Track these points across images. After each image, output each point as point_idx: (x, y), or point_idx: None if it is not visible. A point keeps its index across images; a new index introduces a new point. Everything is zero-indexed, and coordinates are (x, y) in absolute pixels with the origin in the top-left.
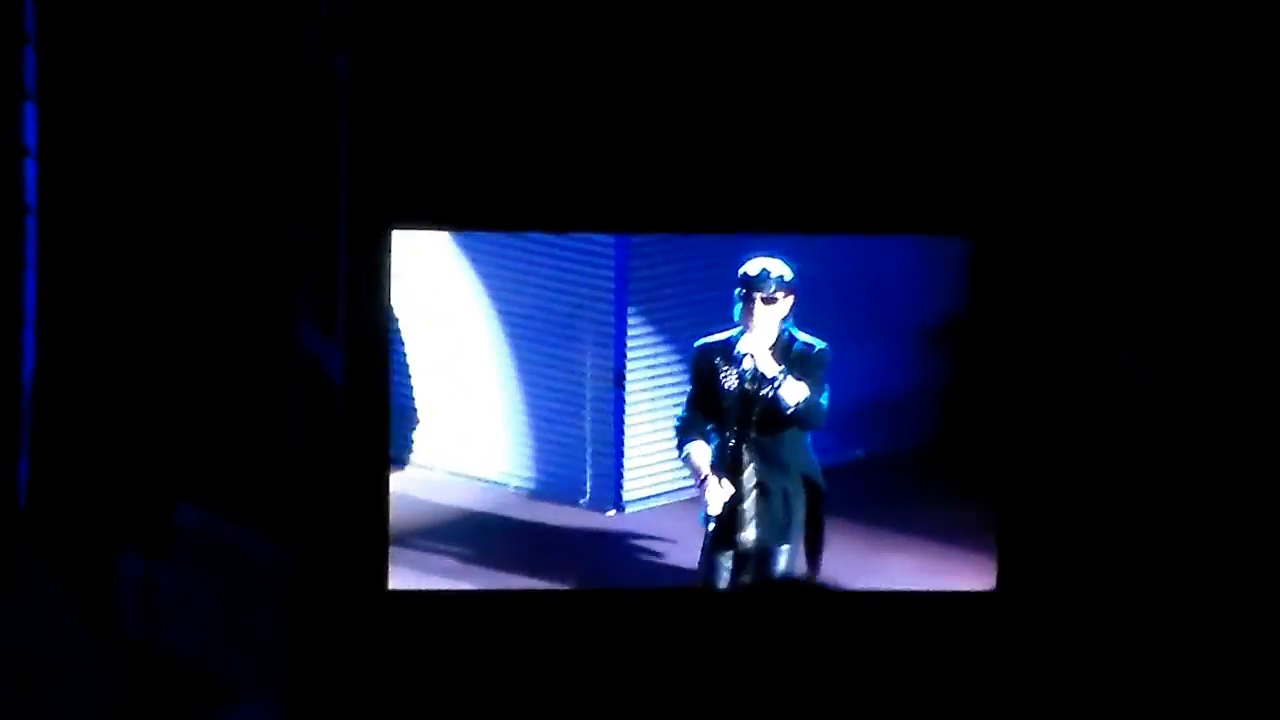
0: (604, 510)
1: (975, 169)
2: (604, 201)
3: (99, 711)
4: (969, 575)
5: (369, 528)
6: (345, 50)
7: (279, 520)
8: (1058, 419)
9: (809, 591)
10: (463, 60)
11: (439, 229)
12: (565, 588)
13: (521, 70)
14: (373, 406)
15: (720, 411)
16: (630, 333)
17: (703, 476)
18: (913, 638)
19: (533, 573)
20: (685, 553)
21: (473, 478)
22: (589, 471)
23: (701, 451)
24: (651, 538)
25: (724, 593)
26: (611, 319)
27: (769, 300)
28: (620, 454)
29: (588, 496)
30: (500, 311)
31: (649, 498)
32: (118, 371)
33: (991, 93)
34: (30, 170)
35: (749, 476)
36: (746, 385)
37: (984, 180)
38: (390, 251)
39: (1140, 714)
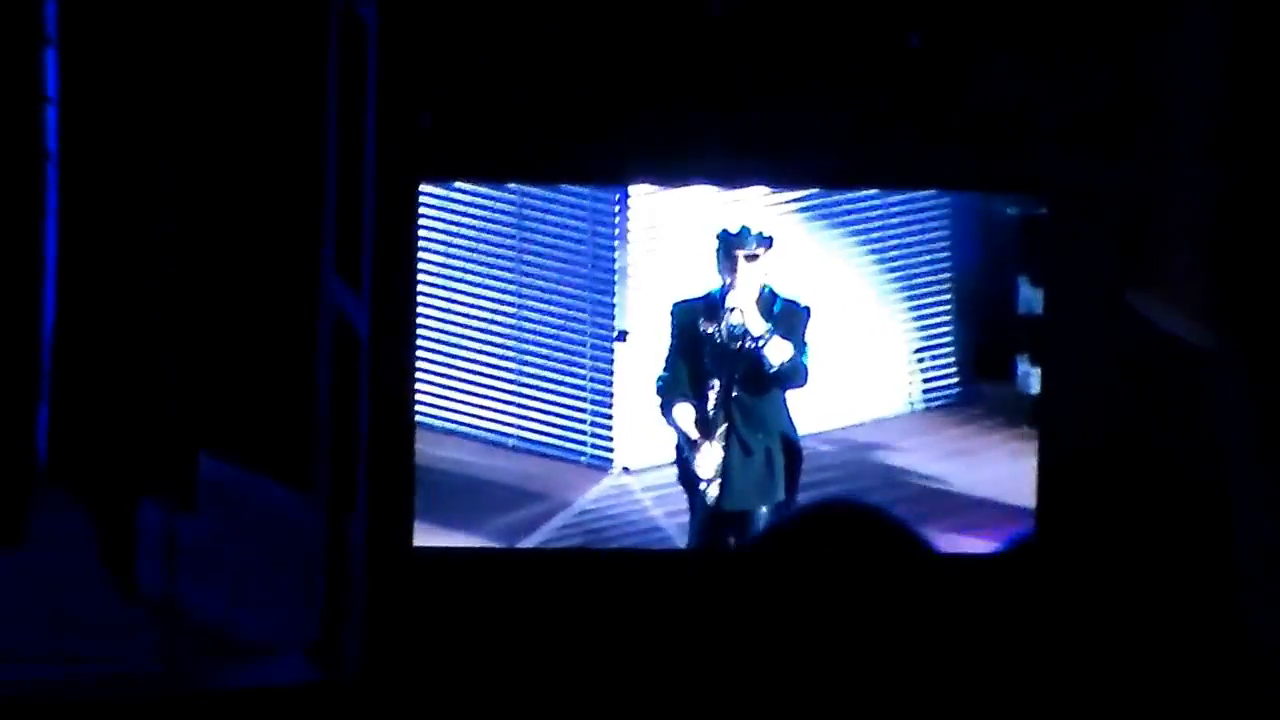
0: (604, 469)
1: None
2: (634, 153)
3: (122, 664)
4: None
5: (394, 483)
6: None
7: (302, 474)
8: (1101, 374)
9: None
10: (492, 5)
11: (467, 181)
12: (565, 546)
13: (550, 20)
14: (398, 360)
15: (702, 370)
16: (633, 288)
17: (692, 440)
18: (945, 594)
19: (531, 532)
20: (685, 514)
21: (470, 433)
22: (590, 430)
23: (686, 414)
24: (652, 497)
25: (737, 553)
26: (614, 274)
27: (751, 257)
28: (622, 412)
29: (588, 455)
30: (500, 265)
31: (652, 467)
32: (140, 321)
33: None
34: (51, 117)
35: (731, 436)
36: (730, 342)
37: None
38: (418, 204)
39: (1178, 673)
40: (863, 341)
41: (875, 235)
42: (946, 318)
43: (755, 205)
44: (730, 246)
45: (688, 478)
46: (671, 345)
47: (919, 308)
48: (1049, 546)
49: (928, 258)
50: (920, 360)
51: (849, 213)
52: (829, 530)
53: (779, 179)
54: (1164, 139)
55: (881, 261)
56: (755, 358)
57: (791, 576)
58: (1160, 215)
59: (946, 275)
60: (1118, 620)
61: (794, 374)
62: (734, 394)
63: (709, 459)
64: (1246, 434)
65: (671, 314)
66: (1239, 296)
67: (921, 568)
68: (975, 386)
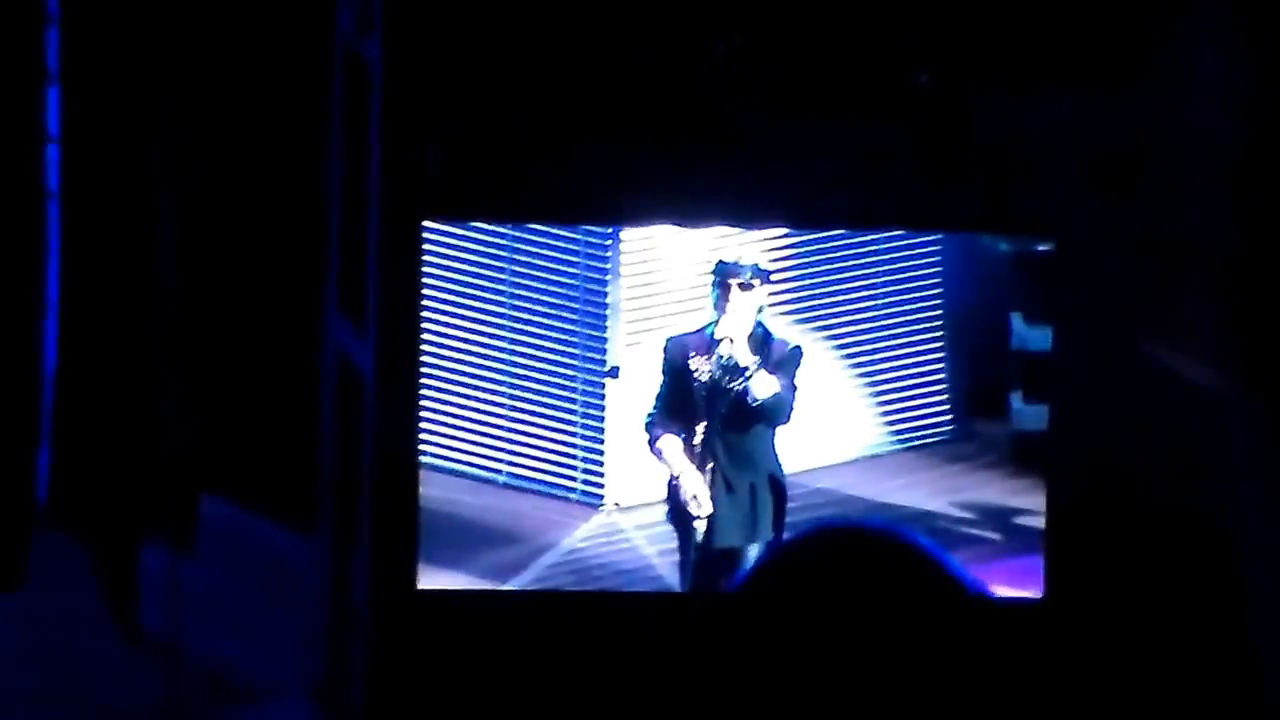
0: (596, 506)
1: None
2: (640, 193)
3: (123, 707)
4: (1013, 581)
5: (398, 524)
6: (377, 35)
7: (305, 514)
8: (1110, 421)
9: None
10: (497, 44)
11: (472, 221)
12: (560, 586)
13: (555, 60)
14: (402, 400)
15: (690, 405)
16: (625, 325)
17: (678, 472)
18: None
19: (521, 571)
20: (676, 552)
21: (460, 469)
22: (581, 466)
23: (673, 445)
24: (644, 535)
25: (726, 595)
26: (606, 310)
27: (745, 287)
28: (613, 449)
29: (579, 492)
30: (491, 301)
31: (644, 504)
32: (142, 361)
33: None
34: (53, 155)
35: (716, 473)
36: (718, 375)
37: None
38: (422, 243)
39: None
40: (854, 377)
41: (867, 270)
42: (939, 354)
43: (749, 241)
44: (725, 275)
45: (677, 515)
46: (662, 382)
47: (911, 343)
48: (1058, 590)
49: (920, 293)
50: (912, 396)
51: (841, 248)
52: (834, 560)
53: (785, 220)
54: (1177, 179)
55: (873, 296)
56: (740, 391)
57: (791, 617)
58: (1172, 256)
59: (939, 311)
60: (1130, 667)
61: (777, 409)
62: (718, 428)
63: (698, 489)
64: (1259, 476)
65: (664, 349)
66: (1252, 338)
67: (949, 601)
68: (968, 423)
